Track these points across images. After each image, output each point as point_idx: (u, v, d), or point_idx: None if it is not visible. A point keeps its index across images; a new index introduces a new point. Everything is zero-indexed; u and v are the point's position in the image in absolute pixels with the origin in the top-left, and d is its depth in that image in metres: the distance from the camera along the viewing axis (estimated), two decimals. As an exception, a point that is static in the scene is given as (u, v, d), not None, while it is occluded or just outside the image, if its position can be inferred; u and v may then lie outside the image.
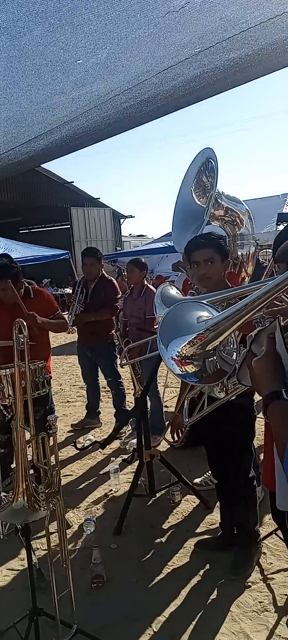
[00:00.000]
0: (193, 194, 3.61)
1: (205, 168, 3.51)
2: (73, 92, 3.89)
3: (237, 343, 1.90)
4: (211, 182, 3.44)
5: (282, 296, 1.72)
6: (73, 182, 31.72)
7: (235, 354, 1.85)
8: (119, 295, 6.49)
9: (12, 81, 3.46)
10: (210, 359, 1.76)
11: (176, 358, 1.71)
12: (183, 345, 1.71)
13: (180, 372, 1.72)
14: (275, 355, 1.49)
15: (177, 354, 1.71)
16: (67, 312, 6.20)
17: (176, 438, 4.08)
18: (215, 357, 1.77)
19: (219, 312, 1.76)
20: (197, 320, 1.75)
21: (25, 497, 2.66)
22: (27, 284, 4.89)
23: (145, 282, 6.16)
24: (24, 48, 2.99)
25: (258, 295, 1.61)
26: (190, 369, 1.73)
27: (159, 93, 4.51)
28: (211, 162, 3.45)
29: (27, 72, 3.35)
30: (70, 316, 6.27)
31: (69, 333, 6.38)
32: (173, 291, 2.70)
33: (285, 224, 6.04)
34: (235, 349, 1.88)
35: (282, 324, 1.53)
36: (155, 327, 5.33)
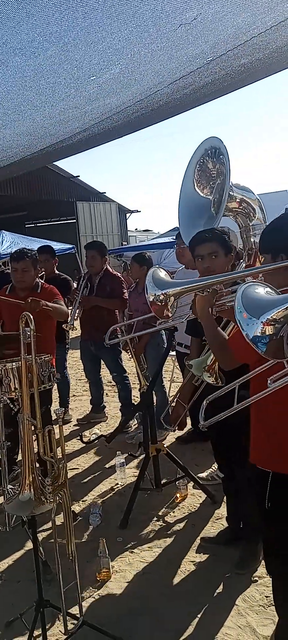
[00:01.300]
0: (196, 186, 3.59)
1: (210, 156, 3.47)
2: (86, 106, 3.92)
3: None
4: (217, 169, 3.41)
5: None
6: (79, 176, 31.66)
7: None
8: (125, 290, 6.47)
9: (26, 99, 3.50)
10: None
11: (265, 321, 1.74)
12: (276, 311, 1.75)
13: (260, 334, 1.73)
14: None
15: (269, 319, 1.74)
16: (71, 308, 6.15)
17: (175, 427, 4.08)
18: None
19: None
20: (275, 293, 1.81)
21: (32, 490, 2.67)
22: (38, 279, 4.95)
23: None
24: (39, 67, 3.03)
25: None
26: (271, 330, 1.76)
27: (170, 101, 4.51)
28: (217, 150, 3.42)
29: (41, 90, 3.39)
30: (72, 310, 6.22)
31: (68, 330, 6.31)
32: (162, 274, 2.80)
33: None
34: None
35: None
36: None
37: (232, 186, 3.39)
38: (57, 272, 6.69)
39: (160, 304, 2.69)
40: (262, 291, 1.84)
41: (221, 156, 3.37)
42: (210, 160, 3.47)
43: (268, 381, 1.82)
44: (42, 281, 5.12)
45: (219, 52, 3.40)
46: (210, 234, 3.21)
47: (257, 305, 1.78)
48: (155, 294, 2.69)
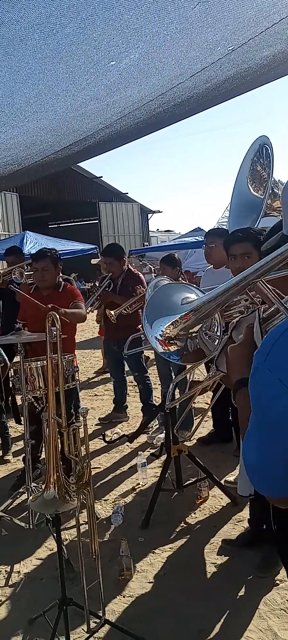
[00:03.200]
0: (249, 185, 3.53)
1: (259, 156, 3.42)
2: (107, 98, 3.89)
3: (220, 329, 1.93)
4: (267, 172, 3.35)
5: (260, 284, 1.69)
6: (102, 177, 31.84)
7: (217, 340, 1.88)
8: (141, 285, 6.46)
9: (47, 86, 3.47)
10: (191, 339, 1.82)
11: (160, 338, 1.76)
12: (167, 325, 1.76)
13: (163, 351, 1.78)
14: (252, 344, 1.49)
15: (161, 333, 1.76)
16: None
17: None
18: (196, 339, 1.81)
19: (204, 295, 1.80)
20: (181, 302, 1.80)
21: (56, 488, 2.70)
22: (61, 279, 5.00)
23: (180, 278, 6.11)
24: (57, 47, 2.98)
25: (237, 281, 1.63)
26: (173, 348, 1.78)
27: (193, 96, 4.48)
28: (266, 150, 3.36)
29: (61, 75, 3.35)
30: (87, 304, 6.29)
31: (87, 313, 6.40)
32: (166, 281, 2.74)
33: None
34: (218, 335, 1.90)
35: (263, 315, 1.55)
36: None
37: (278, 183, 3.31)
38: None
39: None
40: (168, 297, 1.83)
41: (268, 153, 3.31)
42: (261, 159, 3.42)
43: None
44: (65, 281, 5.18)
45: (240, 40, 3.35)
46: (244, 233, 3.15)
47: (156, 316, 1.77)
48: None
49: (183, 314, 1.75)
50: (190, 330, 1.78)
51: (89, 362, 11.03)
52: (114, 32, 2.94)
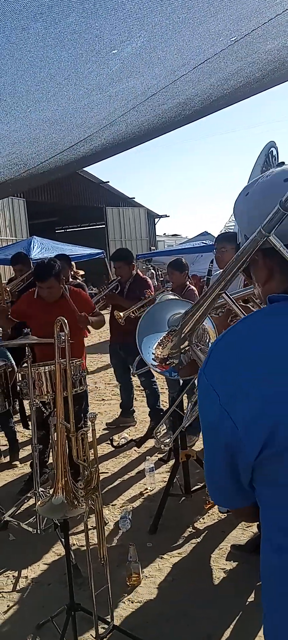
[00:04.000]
0: None
1: (268, 163, 3.41)
2: (110, 88, 3.85)
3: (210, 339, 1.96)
4: None
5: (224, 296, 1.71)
6: (108, 182, 31.91)
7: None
8: (149, 290, 6.46)
9: (49, 74, 3.43)
10: (184, 354, 1.85)
11: (155, 363, 1.81)
12: (155, 346, 1.80)
13: (160, 371, 1.81)
14: None
15: (154, 357, 1.81)
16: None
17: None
18: (189, 351, 1.84)
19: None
20: (167, 320, 1.84)
21: (65, 493, 2.69)
22: (64, 285, 5.02)
23: (188, 282, 6.11)
24: (59, 36, 2.96)
25: (203, 296, 1.69)
26: (169, 366, 1.83)
27: (197, 93, 4.46)
28: (272, 154, 3.35)
29: (63, 64, 3.31)
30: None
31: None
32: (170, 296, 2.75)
33: None
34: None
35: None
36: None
37: None
38: (71, 279, 6.76)
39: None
40: (156, 315, 1.86)
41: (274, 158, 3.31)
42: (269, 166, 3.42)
43: None
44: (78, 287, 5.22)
45: (243, 31, 3.32)
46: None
47: (144, 334, 1.80)
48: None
49: (166, 334, 1.79)
50: (181, 347, 1.80)
51: (96, 366, 11.03)
52: (116, 20, 2.91)
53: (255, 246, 1.20)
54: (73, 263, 7.87)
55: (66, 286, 4.99)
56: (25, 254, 7.67)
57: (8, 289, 6.66)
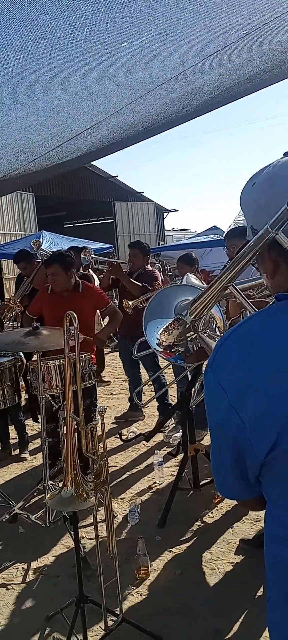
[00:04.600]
0: None
1: None
2: (118, 78, 3.84)
3: (219, 326, 1.96)
4: None
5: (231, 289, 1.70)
6: (117, 176, 31.89)
7: (216, 338, 1.90)
8: (157, 282, 6.46)
9: (57, 64, 3.43)
10: (191, 342, 1.85)
11: (159, 349, 1.80)
12: (160, 332, 1.80)
13: (165, 357, 1.82)
14: None
15: (158, 342, 1.80)
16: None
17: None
18: (196, 339, 1.83)
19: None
20: (175, 305, 1.84)
21: (74, 486, 2.70)
22: (78, 278, 5.03)
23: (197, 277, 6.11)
24: (69, 29, 2.95)
25: (210, 286, 1.70)
26: (174, 354, 1.83)
27: (206, 83, 4.43)
28: None
29: (72, 55, 3.31)
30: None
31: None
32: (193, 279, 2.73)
33: None
34: (217, 334, 1.92)
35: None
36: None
37: None
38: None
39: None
40: (169, 299, 1.86)
41: None
42: None
43: None
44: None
45: (254, 24, 3.30)
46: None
47: (151, 318, 1.80)
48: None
49: (172, 321, 1.79)
50: (188, 335, 1.80)
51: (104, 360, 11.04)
52: (127, 15, 2.90)
53: (261, 243, 1.21)
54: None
55: (80, 282, 5.00)
56: (27, 251, 7.61)
57: (18, 301, 6.71)
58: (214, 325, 1.94)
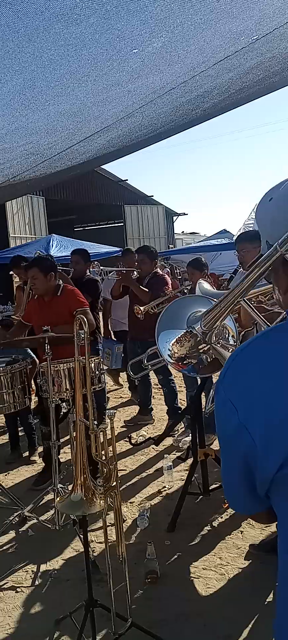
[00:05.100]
0: None
1: None
2: (128, 84, 3.87)
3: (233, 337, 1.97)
4: None
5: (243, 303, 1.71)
6: (127, 180, 31.90)
7: (231, 348, 1.90)
8: (168, 287, 6.44)
9: (68, 71, 3.45)
10: (204, 353, 1.86)
11: (171, 360, 1.82)
12: (172, 343, 1.81)
13: (177, 369, 1.83)
14: None
15: (170, 354, 1.82)
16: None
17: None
18: (210, 350, 1.84)
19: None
20: (187, 317, 1.84)
21: (83, 490, 2.70)
22: (61, 282, 5.15)
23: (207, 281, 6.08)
24: (81, 36, 2.98)
25: (233, 291, 1.69)
26: (186, 365, 1.84)
27: (215, 87, 4.43)
28: None
29: (83, 62, 3.34)
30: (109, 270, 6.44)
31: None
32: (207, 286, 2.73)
33: None
34: (231, 343, 1.92)
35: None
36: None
37: None
38: (88, 273, 6.75)
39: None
40: (182, 310, 1.86)
41: None
42: None
43: None
44: (65, 283, 5.26)
45: (264, 29, 3.31)
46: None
47: (163, 328, 1.80)
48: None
49: (184, 332, 1.80)
50: (200, 348, 1.81)
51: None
52: (138, 22, 2.93)
53: (271, 260, 1.22)
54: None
55: (61, 285, 5.06)
56: (19, 256, 7.55)
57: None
58: (227, 335, 1.94)
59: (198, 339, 1.75)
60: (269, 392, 1.04)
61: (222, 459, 1.21)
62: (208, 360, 1.84)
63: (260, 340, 1.15)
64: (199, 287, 2.75)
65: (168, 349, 1.83)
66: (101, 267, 6.32)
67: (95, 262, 6.41)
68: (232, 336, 1.98)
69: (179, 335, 1.83)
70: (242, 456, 1.10)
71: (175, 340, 1.83)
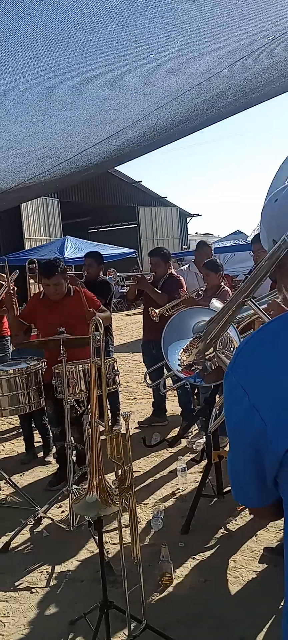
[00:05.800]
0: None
1: None
2: (145, 87, 3.89)
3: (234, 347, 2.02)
4: None
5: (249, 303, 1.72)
6: (141, 181, 31.95)
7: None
8: (183, 289, 6.43)
9: (85, 77, 3.49)
10: (209, 360, 1.90)
11: (180, 368, 1.87)
12: (181, 352, 1.86)
13: (185, 377, 1.86)
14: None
15: (179, 362, 1.86)
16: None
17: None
18: (214, 358, 1.87)
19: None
20: (192, 327, 1.89)
21: (99, 491, 2.72)
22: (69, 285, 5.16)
23: (222, 283, 6.06)
24: (99, 44, 3.01)
25: (236, 295, 1.71)
26: (193, 372, 1.89)
27: (230, 87, 4.43)
28: None
29: (101, 68, 3.37)
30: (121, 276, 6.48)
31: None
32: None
33: None
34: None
35: None
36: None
37: None
38: (101, 275, 6.78)
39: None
40: (182, 323, 1.89)
41: None
42: None
43: None
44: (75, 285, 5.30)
45: (281, 29, 3.30)
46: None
47: (171, 340, 1.84)
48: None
49: (191, 340, 1.85)
50: (206, 353, 1.84)
51: (127, 365, 11.06)
52: (155, 27, 2.95)
53: (277, 257, 1.22)
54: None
55: (71, 287, 5.08)
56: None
57: None
58: (232, 348, 1.98)
59: (207, 342, 1.78)
60: (279, 374, 1.07)
61: (231, 449, 1.21)
62: (213, 367, 1.87)
63: (270, 325, 1.17)
64: (211, 307, 2.77)
65: (178, 359, 1.86)
66: (118, 274, 6.33)
67: (111, 269, 6.40)
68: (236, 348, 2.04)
69: (187, 344, 1.87)
70: (251, 441, 1.11)
71: (183, 349, 1.87)
